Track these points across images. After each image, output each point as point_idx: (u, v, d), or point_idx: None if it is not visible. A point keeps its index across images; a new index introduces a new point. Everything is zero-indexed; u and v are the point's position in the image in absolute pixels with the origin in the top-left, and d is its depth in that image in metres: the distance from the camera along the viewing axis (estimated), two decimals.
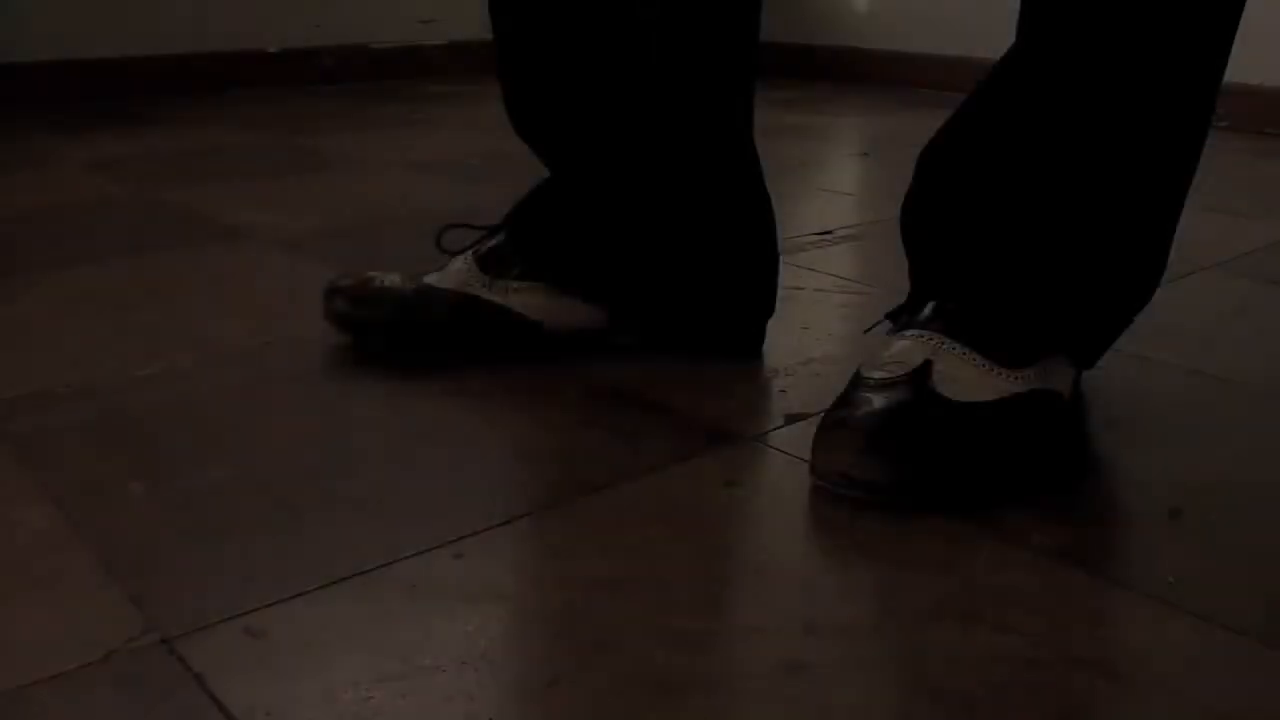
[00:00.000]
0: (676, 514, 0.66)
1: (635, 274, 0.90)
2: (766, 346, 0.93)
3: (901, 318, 0.76)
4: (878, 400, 0.67)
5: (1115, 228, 0.74)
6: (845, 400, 0.69)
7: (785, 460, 0.73)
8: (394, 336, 0.89)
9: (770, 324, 0.93)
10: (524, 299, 0.89)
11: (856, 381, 0.70)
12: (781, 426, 0.78)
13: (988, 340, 0.71)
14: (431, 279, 0.90)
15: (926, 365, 0.69)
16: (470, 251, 0.91)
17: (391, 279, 0.90)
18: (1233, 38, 0.72)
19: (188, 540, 0.63)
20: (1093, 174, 0.72)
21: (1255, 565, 0.61)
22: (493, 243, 0.91)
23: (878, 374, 0.69)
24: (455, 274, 0.90)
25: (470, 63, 2.86)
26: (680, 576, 0.59)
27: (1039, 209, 0.73)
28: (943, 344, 0.70)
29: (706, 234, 0.90)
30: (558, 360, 0.89)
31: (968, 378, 0.69)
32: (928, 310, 0.74)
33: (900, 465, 0.65)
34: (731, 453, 0.74)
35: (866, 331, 0.80)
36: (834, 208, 1.51)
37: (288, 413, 0.80)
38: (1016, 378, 0.70)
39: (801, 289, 1.09)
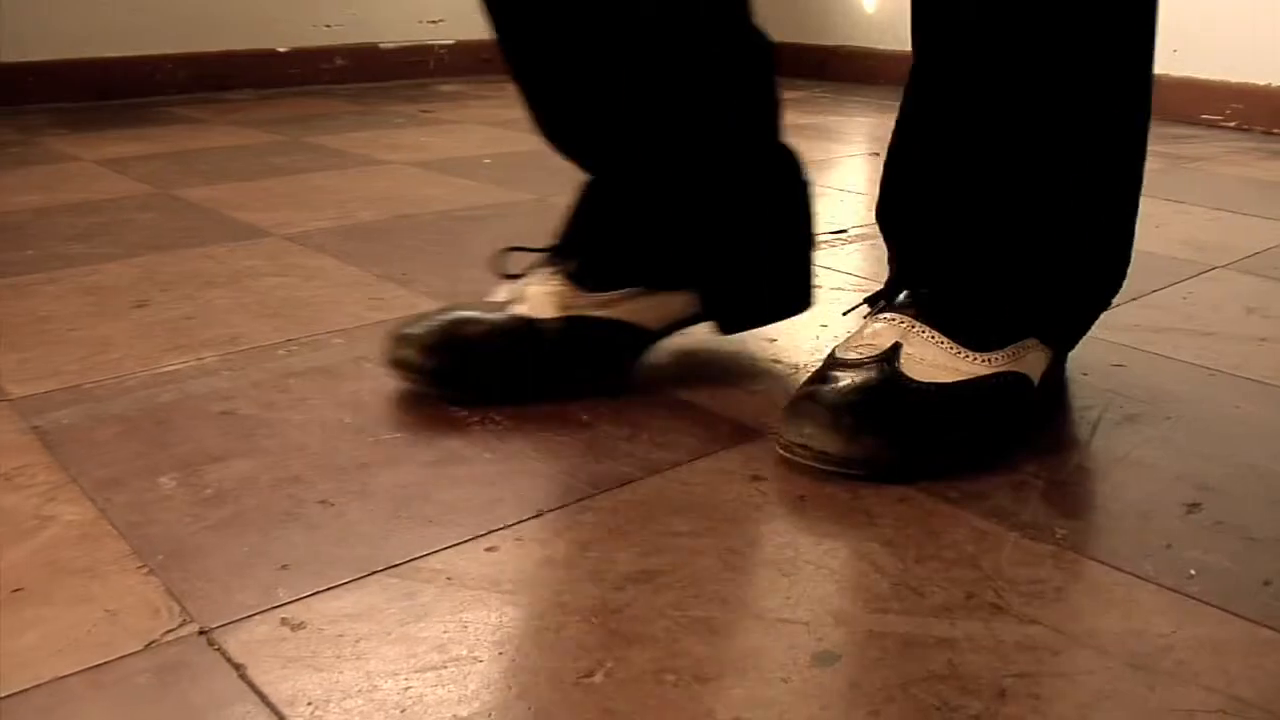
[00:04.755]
0: (703, 508, 0.67)
1: (701, 255, 0.87)
2: (786, 344, 0.93)
3: (879, 303, 0.78)
4: (844, 379, 0.71)
5: (1072, 211, 0.76)
6: (816, 377, 0.73)
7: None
8: (494, 380, 0.82)
9: (788, 322, 0.94)
10: (629, 307, 0.85)
11: (829, 361, 0.74)
12: None
13: (957, 324, 0.74)
14: (523, 309, 0.83)
15: (895, 348, 0.73)
16: (547, 271, 0.84)
17: (473, 314, 0.83)
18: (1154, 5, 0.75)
19: (221, 533, 0.64)
20: (1037, 157, 0.75)
21: (1273, 557, 0.62)
22: (573, 259, 0.85)
23: (849, 355, 0.73)
24: (549, 297, 0.83)
25: (478, 62, 2.87)
26: (709, 569, 0.60)
27: (997, 196, 0.76)
28: (913, 327, 0.74)
29: (741, 215, 0.88)
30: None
31: (935, 360, 0.73)
32: (902, 296, 0.77)
33: (858, 439, 0.68)
34: (755, 448, 0.75)
35: (845, 314, 0.84)
36: (847, 207, 1.52)
37: (315, 408, 0.81)
38: (984, 360, 0.74)
39: (819, 287, 1.10)
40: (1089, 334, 0.95)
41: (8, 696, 0.50)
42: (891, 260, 0.82)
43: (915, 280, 0.77)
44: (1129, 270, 0.83)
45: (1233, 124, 2.19)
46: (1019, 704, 0.49)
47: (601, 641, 0.53)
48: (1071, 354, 0.93)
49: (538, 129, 0.86)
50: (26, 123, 2.16)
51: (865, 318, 0.78)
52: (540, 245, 0.87)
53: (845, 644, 0.53)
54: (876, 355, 0.72)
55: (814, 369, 0.76)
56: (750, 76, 0.87)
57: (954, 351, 0.73)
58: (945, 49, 0.76)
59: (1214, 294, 1.11)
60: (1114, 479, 0.71)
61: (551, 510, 0.66)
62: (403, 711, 0.49)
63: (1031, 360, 0.77)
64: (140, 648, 0.54)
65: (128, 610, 0.57)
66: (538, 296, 0.83)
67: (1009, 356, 0.75)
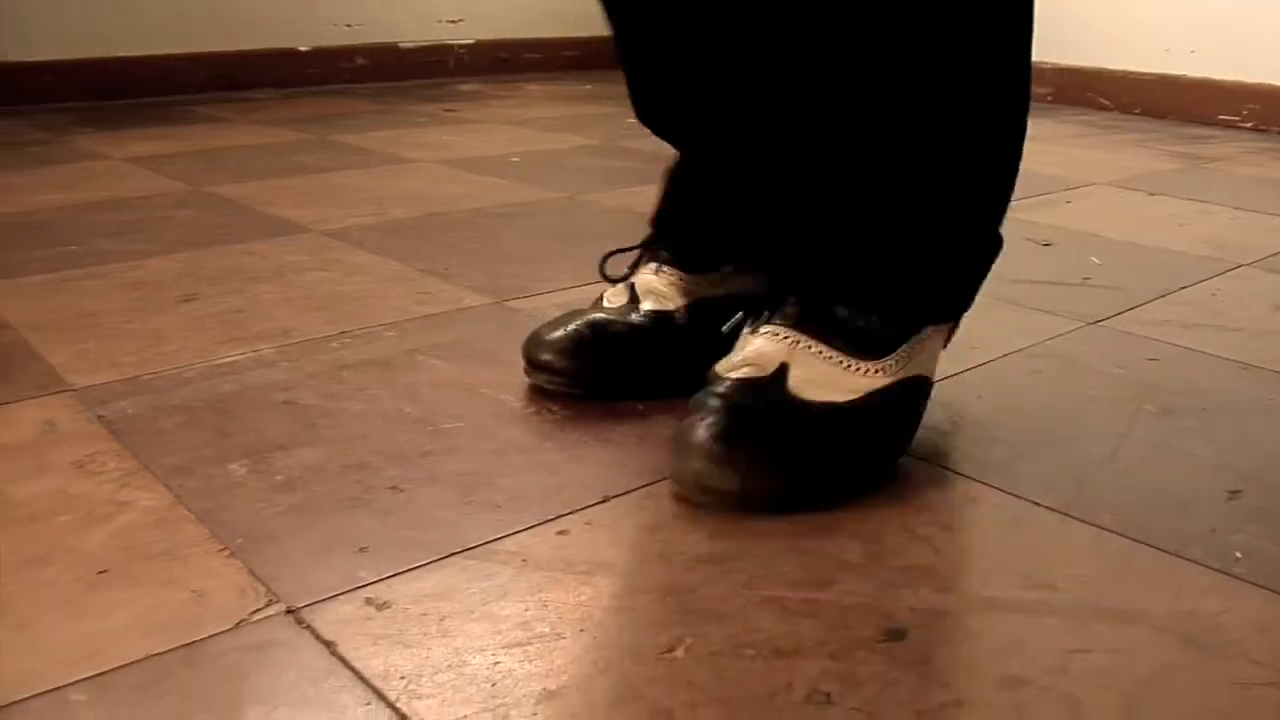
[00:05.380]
0: None
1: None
2: None
3: (760, 310, 0.73)
4: (730, 405, 0.66)
5: (947, 181, 0.71)
6: (700, 404, 0.67)
7: None
8: (634, 379, 0.84)
9: None
10: (739, 282, 0.85)
11: (712, 382, 0.69)
12: None
13: (845, 332, 0.69)
14: (651, 304, 0.84)
15: (782, 369, 0.68)
16: (653, 264, 0.86)
17: (595, 317, 0.84)
18: None
19: (296, 518, 0.66)
20: (900, 117, 0.69)
21: None
22: (672, 245, 0.86)
23: (732, 375, 0.68)
24: (670, 288, 0.85)
25: (496, 62, 2.89)
26: (776, 550, 0.62)
27: (862, 173, 0.70)
28: (798, 342, 0.69)
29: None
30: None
31: (826, 378, 0.68)
32: (785, 305, 0.71)
33: (751, 474, 0.65)
34: None
35: (725, 330, 0.76)
36: None
37: (373, 399, 0.83)
38: (879, 370, 0.69)
39: None
40: (1122, 330, 0.98)
41: (106, 672, 0.52)
42: (767, 260, 0.78)
43: (794, 279, 0.72)
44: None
45: (1249, 124, 2.21)
46: (1082, 677, 0.51)
47: (678, 619, 0.56)
48: (1105, 348, 0.95)
49: (636, 107, 0.84)
50: (51, 121, 2.18)
51: (747, 329, 0.72)
52: (632, 244, 0.88)
53: (912, 622, 0.55)
54: (763, 377, 0.67)
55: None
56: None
57: (846, 366, 0.68)
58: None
59: (1240, 291, 1.13)
60: (1155, 468, 0.73)
61: (617, 495, 0.68)
62: (494, 685, 0.51)
63: (928, 354, 0.73)
64: (230, 626, 0.56)
65: (213, 591, 0.59)
66: (661, 289, 0.85)
67: (904, 358, 0.70)
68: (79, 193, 1.56)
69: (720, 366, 0.70)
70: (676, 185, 0.88)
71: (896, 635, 0.54)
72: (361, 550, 0.62)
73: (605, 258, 0.87)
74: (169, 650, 0.54)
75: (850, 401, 0.68)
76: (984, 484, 0.70)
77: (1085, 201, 1.55)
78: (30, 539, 0.64)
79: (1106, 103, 2.42)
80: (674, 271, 0.85)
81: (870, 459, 0.70)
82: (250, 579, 0.60)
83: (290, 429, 0.78)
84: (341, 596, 0.58)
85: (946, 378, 0.86)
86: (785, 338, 0.69)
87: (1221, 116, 2.25)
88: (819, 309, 0.70)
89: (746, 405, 0.66)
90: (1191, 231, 1.36)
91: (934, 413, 0.76)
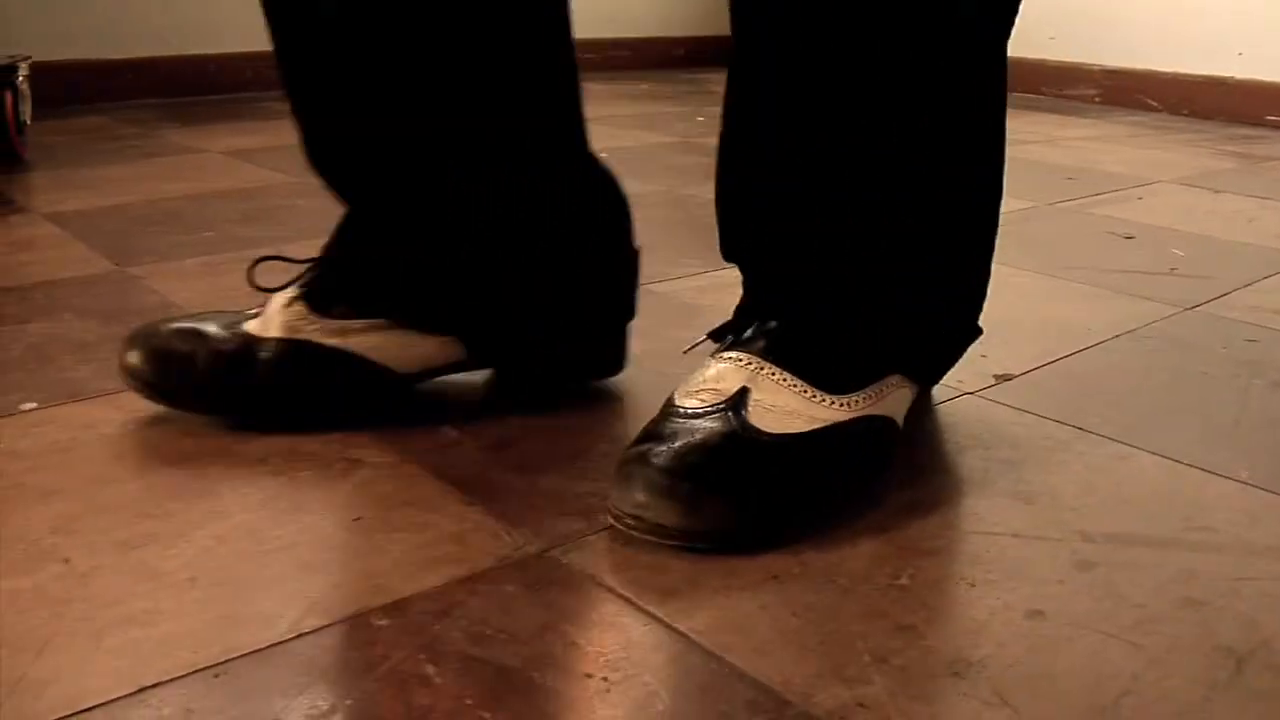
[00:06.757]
0: (953, 440, 0.77)
1: (477, 296, 0.81)
2: None
3: (725, 337, 0.71)
4: (683, 434, 0.63)
5: (929, 232, 0.71)
6: (652, 432, 0.65)
7: (1008, 411, 0.84)
8: (211, 400, 0.78)
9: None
10: (366, 340, 0.79)
11: (667, 410, 0.67)
12: (993, 385, 0.89)
13: (811, 364, 0.67)
14: (253, 325, 0.78)
15: (742, 393, 0.65)
16: (294, 287, 0.80)
17: (206, 326, 0.79)
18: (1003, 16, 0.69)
19: (521, 474, 0.73)
20: (881, 167, 0.68)
21: None
22: (317, 277, 0.80)
23: (690, 403, 0.66)
24: (278, 316, 0.78)
25: None
26: (968, 499, 0.70)
27: (843, 215, 0.69)
28: (761, 368, 0.66)
29: (539, 237, 0.81)
30: None
31: (787, 406, 0.65)
32: (750, 331, 0.69)
33: (699, 507, 0.61)
34: (951, 406, 0.86)
35: (686, 352, 0.75)
36: None
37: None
38: (842, 405, 0.67)
39: None
40: (1217, 314, 1.06)
41: (397, 601, 0.58)
42: (744, 283, 0.74)
43: (765, 310, 0.70)
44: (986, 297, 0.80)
45: None
46: (1252, 599, 0.60)
47: (895, 554, 0.64)
48: (1205, 330, 1.04)
49: (306, 153, 0.83)
50: (137, 117, 2.25)
51: (711, 355, 0.70)
52: (303, 258, 0.83)
53: (1097, 556, 0.64)
54: (720, 404, 0.64)
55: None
56: (549, 87, 0.81)
57: (808, 396, 0.66)
58: (766, 41, 0.67)
59: None
60: (1277, 433, 0.82)
61: None
62: (762, 608, 0.59)
63: (894, 400, 0.71)
64: (495, 564, 0.62)
65: (469, 534, 0.65)
66: (269, 315, 0.79)
67: (869, 399, 0.68)
68: (192, 183, 1.63)
69: (678, 392, 0.68)
70: (349, 217, 0.83)
71: (1086, 566, 0.63)
72: (592, 497, 0.70)
73: (254, 263, 0.81)
74: (449, 583, 0.60)
75: (810, 431, 0.65)
76: (1127, 444, 0.79)
77: (1154, 198, 1.63)
78: (281, 490, 0.70)
79: (1154, 104, 2.49)
80: (299, 304, 0.79)
81: (829, 491, 0.67)
82: (499, 524, 0.67)
83: (489, 400, 0.86)
84: (590, 538, 0.65)
85: (1070, 355, 0.95)
86: (748, 364, 0.67)
87: (1270, 117, 2.32)
88: (785, 340, 0.68)
89: (698, 432, 0.63)
90: (1261, 227, 1.44)
91: (1066, 383, 0.85)
